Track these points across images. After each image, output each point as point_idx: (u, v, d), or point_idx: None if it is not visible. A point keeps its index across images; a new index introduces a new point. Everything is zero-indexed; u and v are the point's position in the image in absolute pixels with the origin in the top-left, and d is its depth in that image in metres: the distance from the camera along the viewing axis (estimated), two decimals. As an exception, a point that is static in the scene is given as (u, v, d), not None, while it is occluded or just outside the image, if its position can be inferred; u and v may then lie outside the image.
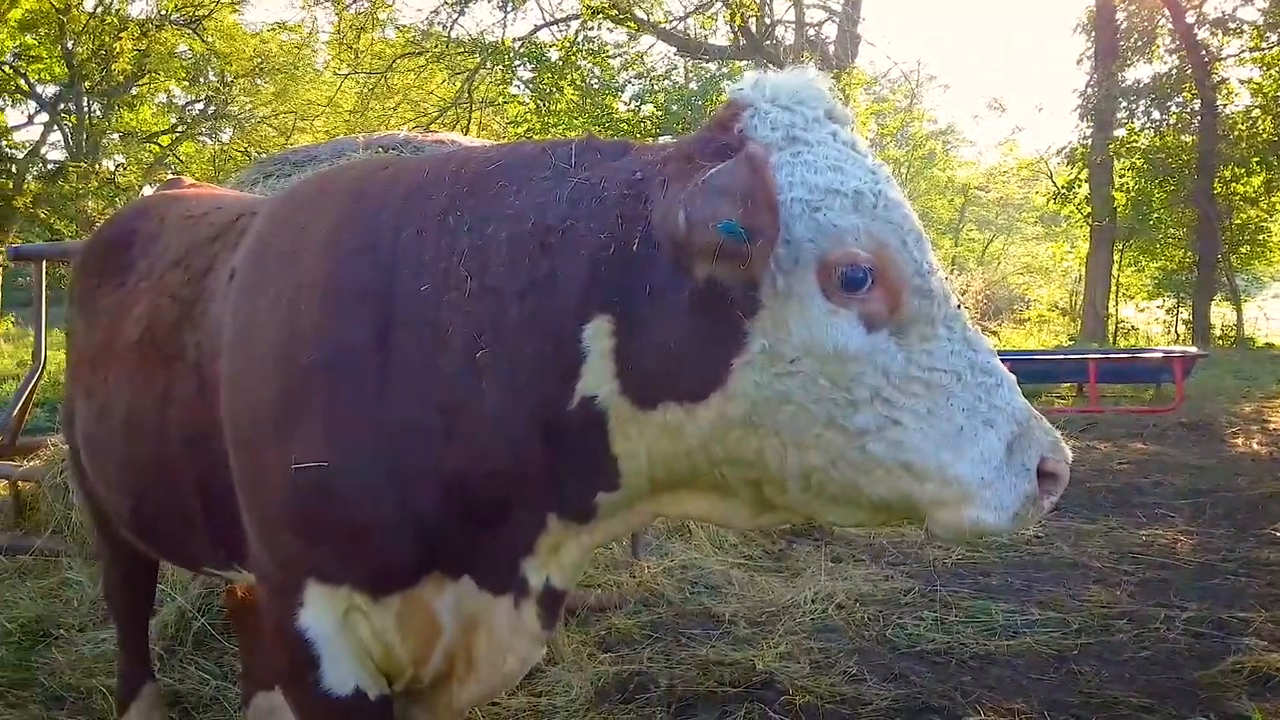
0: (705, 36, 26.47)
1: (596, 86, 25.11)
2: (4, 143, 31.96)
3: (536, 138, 22.28)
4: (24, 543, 5.15)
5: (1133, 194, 24.72)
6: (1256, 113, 23.07)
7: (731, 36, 24.68)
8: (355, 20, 26.01)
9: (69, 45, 29.94)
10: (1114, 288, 25.57)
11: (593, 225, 1.71)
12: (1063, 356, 15.14)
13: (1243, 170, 23.09)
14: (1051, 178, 29.02)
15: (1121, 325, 26.47)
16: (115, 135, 33.29)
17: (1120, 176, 24.93)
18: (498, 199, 1.83)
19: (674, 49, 26.45)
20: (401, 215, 1.90)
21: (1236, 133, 22.99)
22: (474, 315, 1.76)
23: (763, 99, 1.70)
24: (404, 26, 27.93)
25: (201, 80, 34.07)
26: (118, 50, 29.09)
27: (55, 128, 32.34)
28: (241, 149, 33.53)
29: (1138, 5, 24.88)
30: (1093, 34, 25.59)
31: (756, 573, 5.30)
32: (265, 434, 1.91)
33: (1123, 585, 5.07)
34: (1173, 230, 25.47)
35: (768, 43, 24.26)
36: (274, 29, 32.33)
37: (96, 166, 30.49)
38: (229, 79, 32.86)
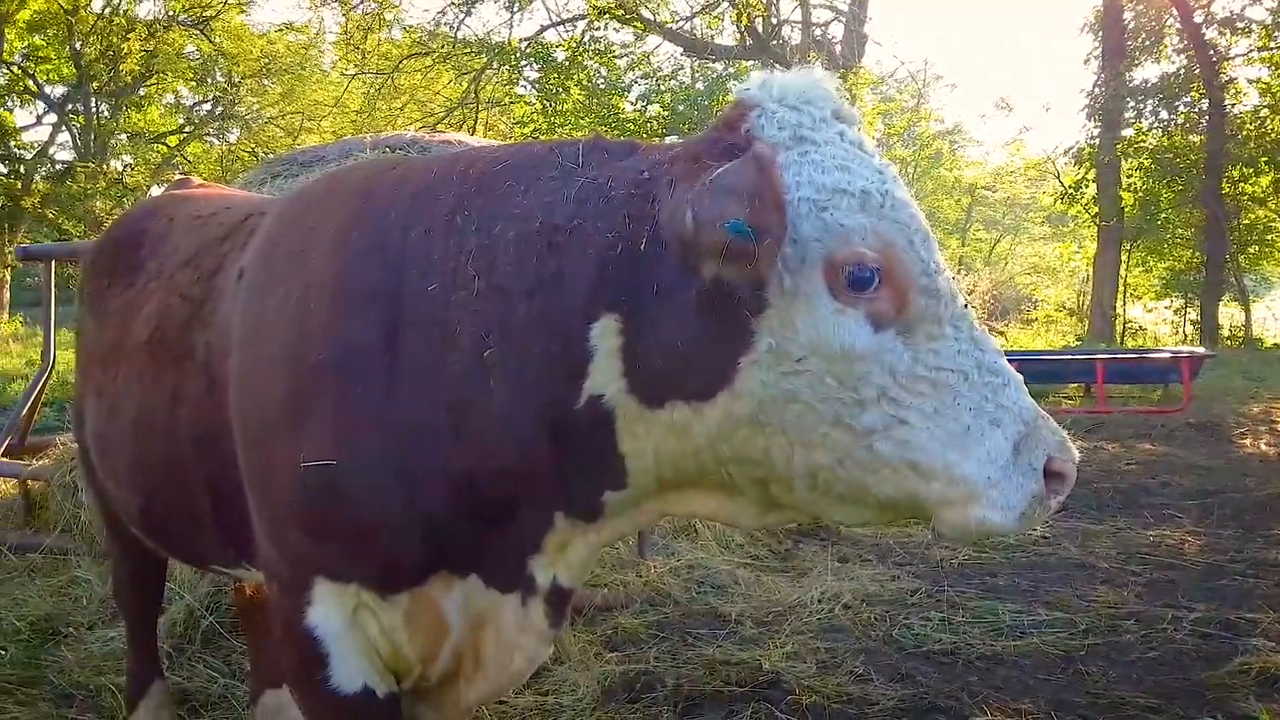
0: (712, 36, 26.45)
1: (603, 87, 25.09)
2: (12, 143, 32.10)
3: (543, 138, 22.30)
4: (33, 541, 5.17)
5: (1140, 194, 24.63)
6: (1265, 112, 22.96)
7: (738, 36, 24.65)
8: (362, 21, 26.06)
9: (77, 46, 30.07)
10: (1122, 288, 25.47)
11: (600, 224, 1.72)
12: (1070, 357, 15.11)
13: (1251, 170, 22.98)
14: (1059, 177, 28.95)
15: (1129, 325, 26.38)
16: (123, 135, 33.41)
17: (1128, 176, 24.84)
18: (505, 199, 1.83)
19: (680, 49, 26.44)
20: (410, 215, 1.90)
21: (1245, 132, 22.88)
22: (482, 314, 1.77)
23: (770, 99, 1.70)
24: (411, 27, 28.01)
25: (209, 81, 34.20)
26: (126, 51, 29.21)
27: (63, 128, 32.51)
28: (249, 149, 33.62)
29: (1145, 5, 24.79)
30: (1100, 33, 25.49)
31: (763, 572, 5.30)
32: (274, 433, 1.92)
33: (1130, 586, 5.06)
34: (1181, 230, 25.38)
35: (774, 43, 24.24)
36: (281, 30, 32.45)
37: (104, 167, 30.61)
38: (236, 79, 32.98)
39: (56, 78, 32.23)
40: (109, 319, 2.61)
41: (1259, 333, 24.60)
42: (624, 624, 4.42)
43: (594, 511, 1.87)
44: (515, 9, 24.68)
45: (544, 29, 25.39)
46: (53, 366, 6.35)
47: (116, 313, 2.58)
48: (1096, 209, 24.91)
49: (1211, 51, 22.93)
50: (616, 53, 26.12)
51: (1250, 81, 23.62)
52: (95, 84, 30.56)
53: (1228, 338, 23.38)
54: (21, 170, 31.76)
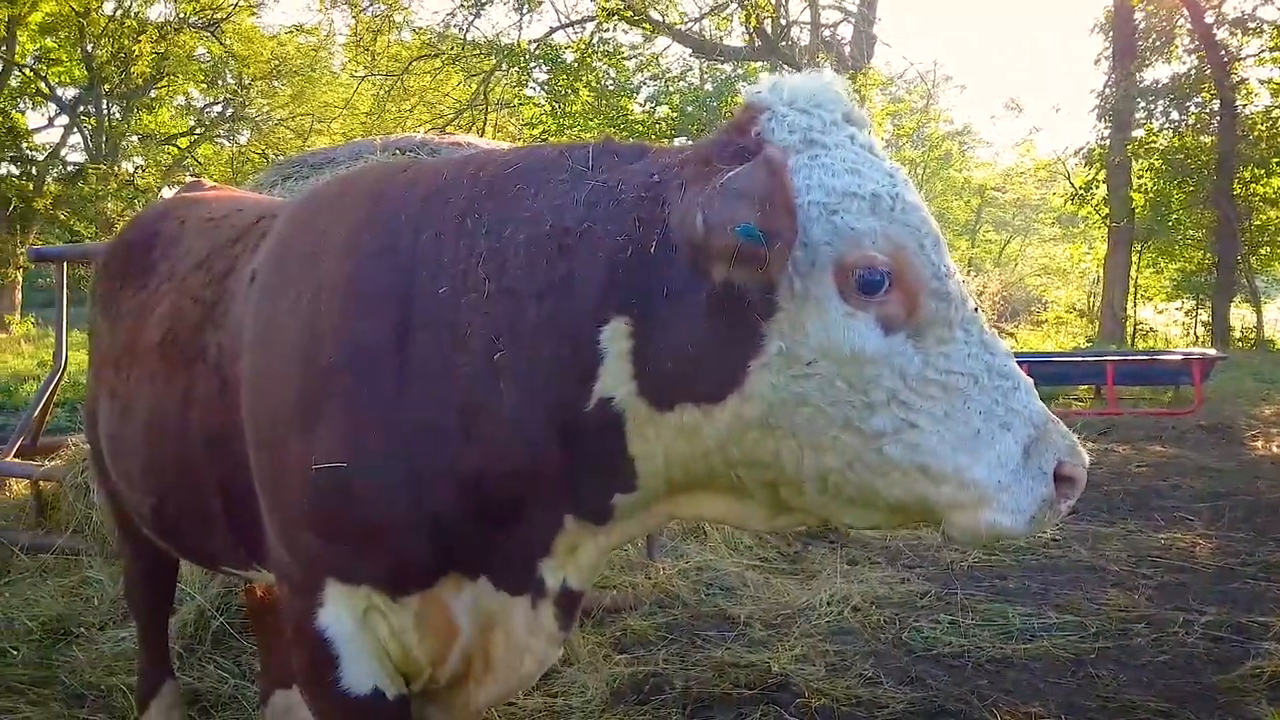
0: (720, 38, 26.46)
1: (612, 88, 25.15)
2: (25, 145, 32.28)
3: (552, 139, 22.33)
4: (45, 541, 5.19)
5: (1151, 195, 24.52)
6: (1277, 113, 22.83)
7: (747, 38, 24.65)
8: (372, 23, 26.15)
9: (89, 48, 30.22)
10: (1132, 289, 25.35)
11: (610, 227, 1.72)
12: (1080, 358, 15.04)
13: (1263, 171, 22.84)
14: (1069, 178, 28.83)
15: (1140, 327, 26.25)
16: (134, 137, 33.56)
17: (1138, 177, 24.73)
18: (516, 201, 1.84)
19: (689, 50, 26.44)
20: (420, 218, 1.91)
21: (1256, 133, 22.76)
22: (492, 317, 1.78)
23: (780, 102, 1.70)
24: (420, 29, 28.07)
25: (219, 83, 34.33)
26: (137, 53, 29.32)
27: (75, 130, 32.66)
28: (259, 150, 33.74)
29: (1156, 5, 24.66)
30: (1110, 34, 25.38)
31: (772, 575, 5.30)
32: (285, 434, 1.93)
33: (1141, 589, 5.04)
34: (1192, 231, 25.25)
35: (783, 44, 24.22)
36: (291, 32, 32.54)
37: (116, 168, 30.74)
38: (247, 81, 33.08)
39: (68, 80, 32.39)
40: (121, 321, 2.63)
41: (1270, 334, 24.42)
42: (633, 626, 4.42)
43: (604, 514, 1.87)
44: (524, 11, 24.74)
45: (553, 30, 25.46)
46: (65, 367, 6.39)
47: (129, 315, 2.60)
48: (1107, 210, 24.82)
49: (1223, 52, 22.82)
50: (625, 54, 26.17)
51: (1262, 82, 23.50)
52: (107, 86, 30.70)
53: (1239, 339, 23.23)
54: (34, 172, 31.92)
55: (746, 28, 23.89)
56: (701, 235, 1.54)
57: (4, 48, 28.41)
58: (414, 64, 26.39)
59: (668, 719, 3.58)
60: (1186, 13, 23.31)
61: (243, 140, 35.92)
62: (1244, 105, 23.17)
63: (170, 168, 33.30)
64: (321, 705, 2.09)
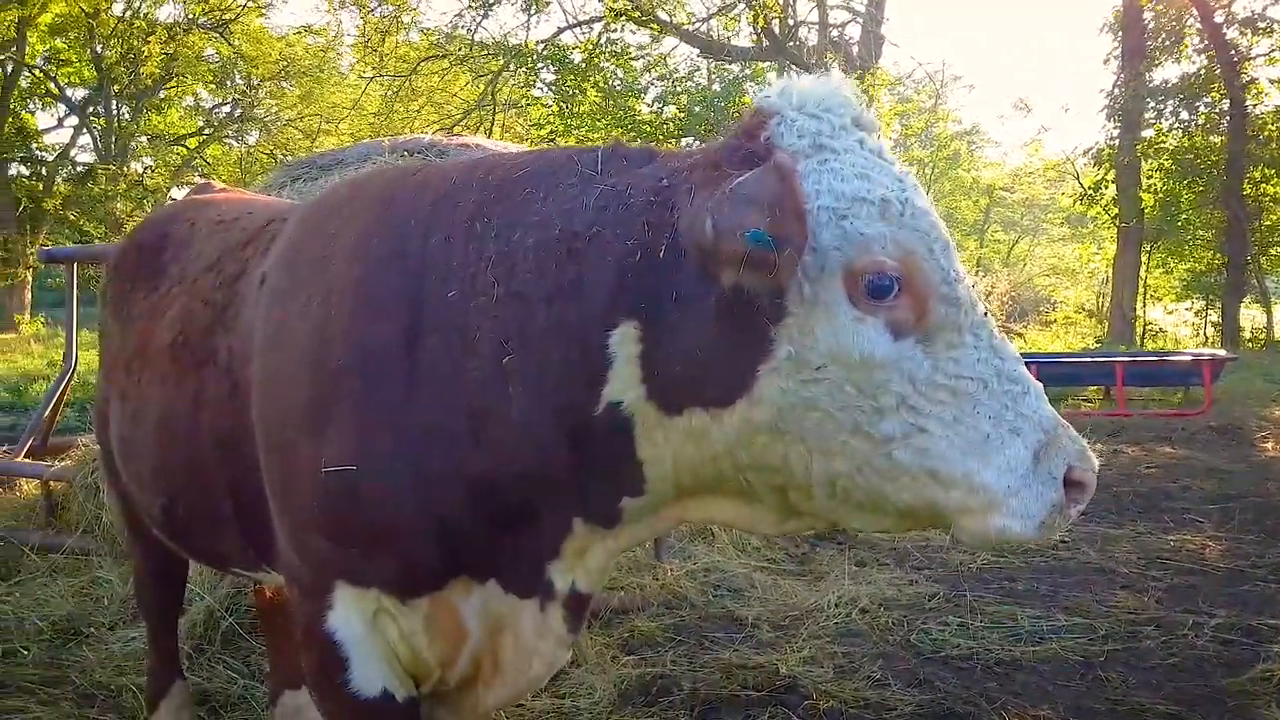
0: (728, 38, 26.41)
1: (619, 88, 25.12)
2: (34, 145, 32.44)
3: (560, 139, 22.33)
4: (56, 541, 5.21)
5: (1161, 195, 24.44)
6: (1287, 113, 22.79)
7: (755, 38, 24.61)
8: (380, 23, 26.17)
9: (98, 49, 30.37)
10: (1142, 290, 25.28)
11: (619, 232, 1.73)
12: (1090, 359, 15.00)
13: (1273, 171, 22.75)
14: (1078, 178, 28.75)
15: (1149, 328, 26.17)
16: (143, 138, 33.73)
17: (1148, 177, 24.65)
18: (525, 205, 1.84)
19: (697, 51, 26.41)
20: (430, 222, 1.91)
21: (1266, 133, 22.68)
22: (501, 321, 1.78)
23: (789, 106, 1.70)
24: (428, 29, 28.10)
25: (228, 83, 34.46)
26: (146, 54, 29.44)
27: (84, 130, 32.82)
28: (267, 151, 33.85)
29: (1165, 5, 24.57)
30: (1120, 34, 25.31)
31: (780, 576, 5.30)
32: (296, 437, 1.94)
33: (1150, 591, 5.03)
34: (1201, 232, 25.16)
35: (791, 44, 24.20)
36: (300, 32, 32.62)
37: (125, 169, 30.90)
38: (255, 82, 33.21)
39: (78, 80, 32.55)
40: (132, 323, 2.64)
41: (1281, 335, 24.35)
42: (640, 627, 4.42)
43: (612, 517, 1.87)
44: (532, 11, 24.74)
45: (561, 31, 25.45)
46: (75, 368, 6.41)
47: (140, 317, 2.61)
48: (1116, 210, 24.74)
49: (1232, 51, 22.73)
50: (633, 54, 26.13)
51: (1272, 82, 23.39)
52: (116, 87, 30.84)
53: (1249, 340, 23.16)
54: (43, 172, 32.11)
55: (754, 28, 23.87)
56: (711, 240, 1.54)
57: (14, 49, 28.55)
58: (422, 65, 26.41)
59: (675, 721, 3.58)
60: (1196, 12, 23.22)
61: (251, 141, 36.06)
62: (1254, 105, 23.09)
63: (179, 168, 33.44)
64: (331, 706, 2.09)
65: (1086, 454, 1.65)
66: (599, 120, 23.08)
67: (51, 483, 5.58)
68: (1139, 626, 4.49)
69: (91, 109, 32.36)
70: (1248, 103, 22.75)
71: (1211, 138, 24.03)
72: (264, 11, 31.91)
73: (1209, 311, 25.92)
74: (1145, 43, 24.61)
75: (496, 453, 1.80)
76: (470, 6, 24.66)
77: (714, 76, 28.41)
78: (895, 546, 5.87)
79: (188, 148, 34.84)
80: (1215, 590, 5.04)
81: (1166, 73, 25.38)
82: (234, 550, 2.37)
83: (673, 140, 21.85)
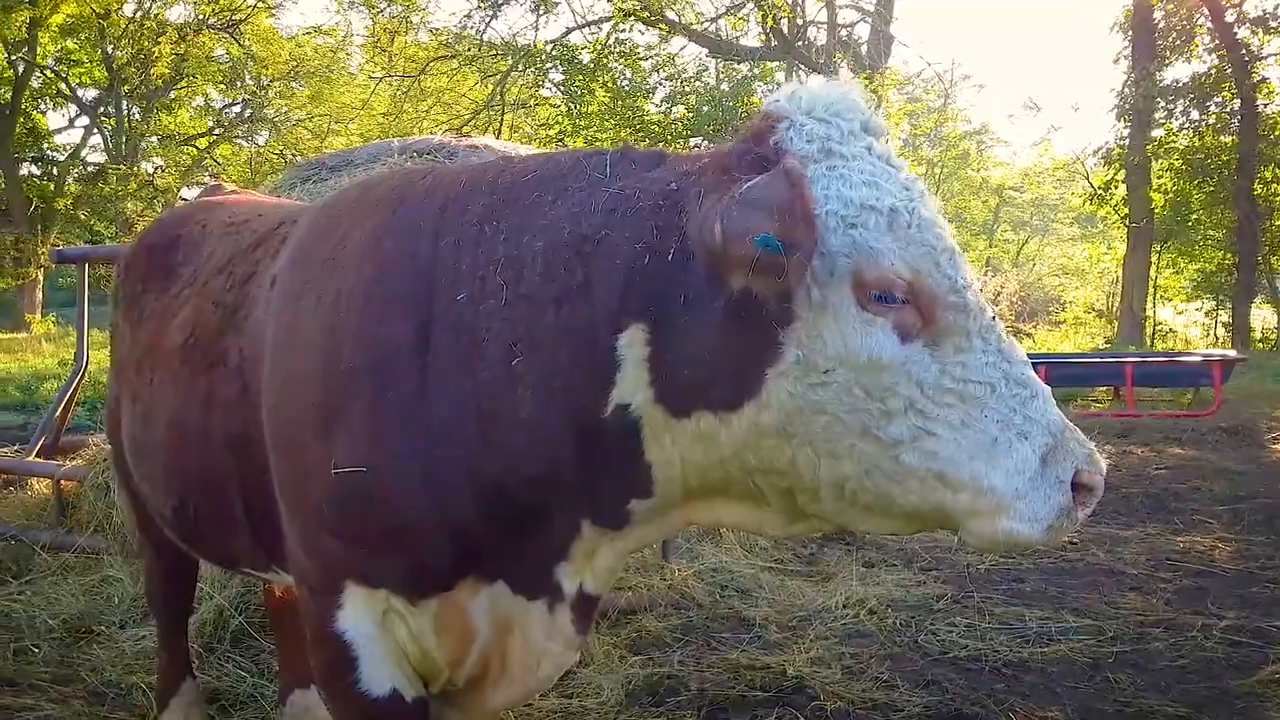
0: (737, 38, 26.42)
1: (628, 88, 25.14)
2: (46, 145, 32.62)
3: (568, 140, 22.35)
4: (67, 540, 5.23)
5: (1171, 195, 24.36)
6: (1298, 112, 22.67)
7: (763, 38, 24.60)
8: (389, 24, 26.28)
9: (109, 50, 30.50)
10: (1152, 290, 25.17)
11: (628, 235, 1.73)
12: (1099, 359, 14.96)
13: (1284, 171, 22.69)
14: (1088, 178, 28.65)
15: (1159, 328, 26.07)
16: (154, 138, 33.87)
17: (1158, 177, 24.57)
18: (534, 208, 1.85)
19: (705, 50, 26.41)
20: (440, 224, 1.92)
21: (1277, 133, 22.57)
22: (510, 323, 1.79)
23: (798, 110, 1.70)
24: (437, 30, 28.17)
25: (238, 84, 34.60)
26: (156, 54, 29.59)
27: (95, 131, 32.99)
28: (277, 151, 33.96)
29: (1176, 4, 24.47)
30: (1130, 33, 25.20)
31: (787, 577, 5.30)
32: (306, 438, 1.95)
33: (1159, 592, 5.01)
34: (1212, 232, 25.06)
35: (800, 44, 24.17)
36: (309, 33, 32.80)
37: (135, 169, 31.03)
38: (265, 82, 33.33)
39: (89, 81, 32.71)
40: (144, 324, 2.65)
41: (1291, 335, 24.24)
42: (648, 627, 4.43)
43: (620, 519, 1.88)
44: (541, 12, 24.77)
45: (569, 31, 25.49)
46: (86, 367, 6.44)
47: (151, 318, 2.62)
48: (1126, 210, 24.64)
49: (1243, 51, 22.60)
50: (641, 55, 26.14)
51: (1283, 81, 23.29)
52: (126, 87, 30.98)
53: (1260, 341, 23.06)
54: (54, 172, 32.26)
55: (763, 27, 23.86)
56: (720, 244, 1.54)
57: (25, 49, 28.69)
58: (431, 65, 26.48)
59: (683, 721, 3.58)
60: (1207, 11, 23.12)
61: (261, 141, 36.18)
62: (1265, 104, 22.97)
63: (189, 168, 33.58)
64: (340, 706, 2.11)
65: (1094, 457, 1.65)
66: (607, 120, 23.11)
67: (63, 482, 5.61)
68: (1147, 628, 4.48)
69: (102, 109, 32.53)
70: (1259, 102, 22.64)
71: (1222, 137, 23.92)
72: (274, 12, 32.08)
73: (1219, 312, 25.80)
74: (1156, 42, 24.51)
75: (505, 454, 1.81)
76: (479, 7, 24.72)
77: (722, 76, 28.42)
78: (903, 548, 5.87)
79: (198, 148, 34.99)
80: (1224, 592, 5.03)
81: (1177, 72, 25.26)
82: (244, 551, 2.38)
83: (681, 140, 21.84)
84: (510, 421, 1.79)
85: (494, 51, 25.44)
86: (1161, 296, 26.80)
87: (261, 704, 3.64)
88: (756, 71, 25.29)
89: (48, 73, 31.29)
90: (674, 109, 24.89)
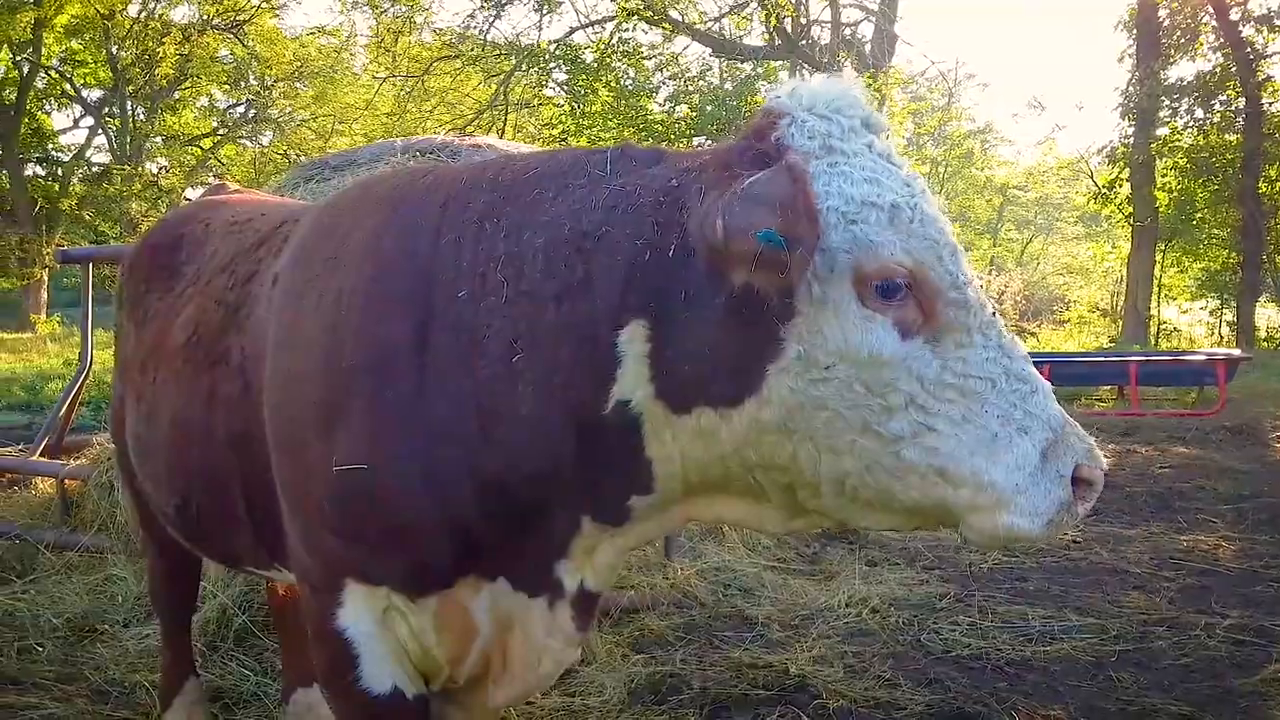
0: (740, 37, 26.39)
1: (631, 88, 25.13)
2: (50, 146, 32.68)
3: (571, 139, 22.35)
4: (71, 539, 5.24)
5: (1175, 194, 24.32)
6: (1303, 111, 22.61)
7: (767, 37, 24.58)
8: (393, 24, 26.29)
9: (114, 50, 30.55)
10: (1156, 289, 25.14)
11: (628, 231, 1.73)
12: (1103, 358, 14.94)
13: (1289, 169, 22.64)
14: (1092, 177, 28.61)
15: (1164, 327, 26.03)
16: (158, 138, 33.94)
17: (1163, 176, 24.52)
18: (534, 206, 1.85)
19: (709, 50, 26.39)
20: (441, 222, 1.92)
21: (1282, 131, 22.56)
22: (511, 320, 1.79)
23: (799, 107, 1.70)
24: (440, 30, 28.20)
25: (242, 84, 34.65)
26: (161, 55, 29.64)
27: (100, 131, 33.04)
28: (281, 151, 34.01)
29: (1180, 2, 24.44)
30: (1134, 31, 25.17)
31: (790, 575, 5.30)
32: (307, 436, 1.95)
33: (1162, 591, 5.01)
34: (1216, 230, 25.02)
35: (803, 43, 24.14)
36: (313, 33, 32.81)
37: (140, 169, 31.08)
38: (269, 83, 33.37)
39: (93, 81, 32.76)
40: (147, 323, 2.66)
41: (1296, 334, 24.19)
42: (650, 626, 4.43)
43: (621, 516, 1.88)
44: (544, 11, 24.77)
45: (572, 31, 25.52)
46: (90, 367, 6.46)
47: (155, 317, 2.63)
48: (1130, 209, 24.60)
49: (1248, 49, 22.57)
50: (645, 54, 26.14)
51: (1288, 80, 23.23)
52: (131, 87, 31.02)
53: (1264, 339, 23.01)
54: (59, 172, 32.34)
55: (766, 27, 23.85)
56: (722, 239, 1.54)
57: (30, 50, 28.76)
58: (434, 65, 26.50)
59: (685, 719, 3.58)
60: (1211, 10, 23.07)
61: (265, 141, 36.22)
62: (1270, 103, 22.92)
63: (194, 168, 33.64)
64: (342, 704, 2.11)
65: (1094, 452, 1.65)
66: (611, 120, 23.10)
67: (67, 481, 5.62)
68: (1151, 627, 4.48)
69: (107, 109, 32.57)
70: (1264, 100, 22.59)
71: (1227, 136, 23.88)
72: (278, 12, 32.11)
73: (1224, 311, 25.77)
74: (1160, 40, 24.46)
75: (506, 451, 1.81)
76: (483, 7, 24.74)
77: (726, 76, 28.38)
78: (906, 546, 5.86)
79: (202, 148, 35.05)
80: (1228, 591, 5.02)
81: (1182, 70, 25.26)
82: (246, 549, 2.39)
83: (684, 139, 21.83)
84: (511, 418, 1.80)
85: (497, 51, 25.46)
86: (1166, 295, 26.77)
87: (264, 702, 3.64)
88: (760, 71, 25.24)
89: (52, 73, 31.34)
90: (677, 108, 24.88)
